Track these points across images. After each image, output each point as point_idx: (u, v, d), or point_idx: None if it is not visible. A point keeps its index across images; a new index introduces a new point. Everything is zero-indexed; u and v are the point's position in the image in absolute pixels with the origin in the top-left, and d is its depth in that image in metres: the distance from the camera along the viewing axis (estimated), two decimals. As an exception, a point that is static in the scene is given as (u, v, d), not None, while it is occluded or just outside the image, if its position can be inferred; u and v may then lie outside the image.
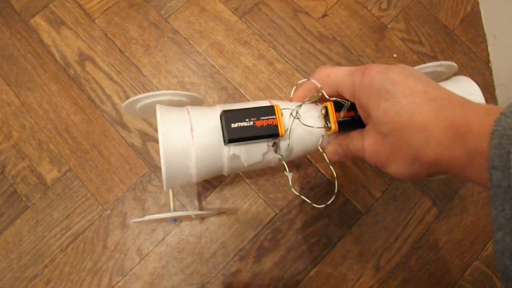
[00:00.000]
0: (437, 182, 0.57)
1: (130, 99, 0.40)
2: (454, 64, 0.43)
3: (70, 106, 0.57)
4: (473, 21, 0.66)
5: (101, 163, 0.55)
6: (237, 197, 0.54)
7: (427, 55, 0.63)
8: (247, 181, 0.55)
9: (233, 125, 0.34)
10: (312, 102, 0.38)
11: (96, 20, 0.62)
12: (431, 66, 0.43)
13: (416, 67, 0.42)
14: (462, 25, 0.65)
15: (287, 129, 0.36)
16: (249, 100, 0.58)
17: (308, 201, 0.40)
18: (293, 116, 0.36)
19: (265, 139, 0.36)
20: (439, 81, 0.43)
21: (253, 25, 0.63)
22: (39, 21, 0.62)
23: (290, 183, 0.38)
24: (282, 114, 0.36)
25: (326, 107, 0.37)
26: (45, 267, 0.51)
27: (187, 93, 0.40)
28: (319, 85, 0.36)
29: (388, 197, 0.56)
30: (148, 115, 0.43)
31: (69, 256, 0.52)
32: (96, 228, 0.53)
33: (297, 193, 0.45)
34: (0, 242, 0.52)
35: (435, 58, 0.63)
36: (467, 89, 0.42)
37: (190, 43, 0.61)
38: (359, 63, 0.61)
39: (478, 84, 0.42)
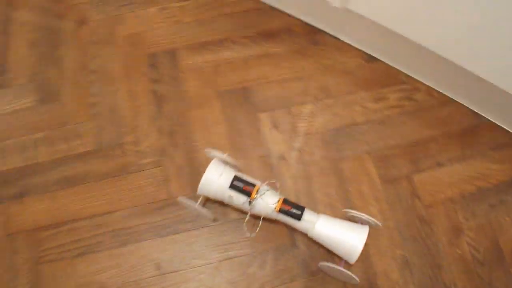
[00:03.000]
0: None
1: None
2: (380, 224, 0.79)
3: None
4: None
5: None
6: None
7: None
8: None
9: (234, 182, 0.77)
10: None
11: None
12: (359, 215, 0.78)
13: (345, 209, 0.81)
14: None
15: (255, 198, 0.76)
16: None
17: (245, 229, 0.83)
18: (260, 194, 0.77)
19: (245, 195, 0.77)
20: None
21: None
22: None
23: (245, 223, 0.83)
24: (257, 190, 0.77)
25: (280, 199, 0.77)
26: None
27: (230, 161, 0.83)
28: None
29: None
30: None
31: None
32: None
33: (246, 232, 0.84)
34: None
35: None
36: (356, 233, 0.76)
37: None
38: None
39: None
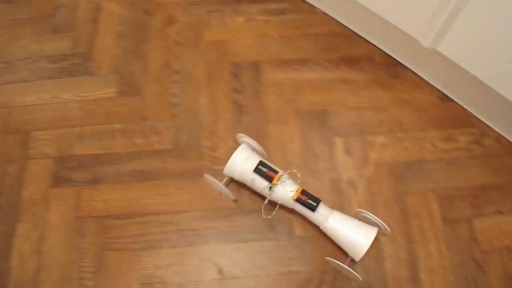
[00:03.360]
0: None
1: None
2: (389, 230, 0.84)
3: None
4: None
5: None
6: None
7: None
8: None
9: (259, 167, 0.82)
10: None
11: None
12: (371, 217, 0.82)
13: (358, 209, 0.85)
14: None
15: (276, 184, 0.81)
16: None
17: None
18: (281, 182, 0.81)
19: (267, 181, 0.81)
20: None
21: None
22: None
23: (263, 206, 0.88)
24: (279, 178, 0.81)
25: (298, 189, 0.81)
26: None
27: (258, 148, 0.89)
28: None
29: None
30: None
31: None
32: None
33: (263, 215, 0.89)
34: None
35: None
36: (365, 232, 0.80)
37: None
38: None
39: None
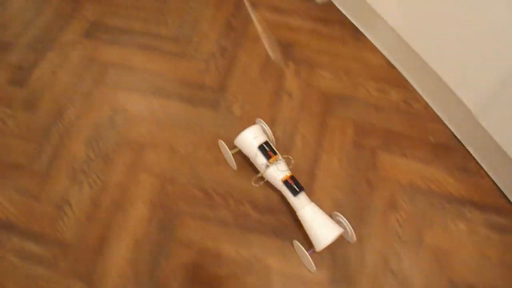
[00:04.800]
0: None
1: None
2: (355, 238, 0.91)
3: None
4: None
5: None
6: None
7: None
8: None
9: (264, 145, 0.95)
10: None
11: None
12: (344, 221, 0.90)
13: (334, 212, 0.90)
14: None
15: (272, 163, 0.93)
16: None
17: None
18: (276, 163, 0.93)
19: (266, 158, 0.93)
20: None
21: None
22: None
23: (255, 177, 1.01)
24: (276, 159, 0.93)
25: (289, 173, 0.92)
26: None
27: (269, 132, 1.03)
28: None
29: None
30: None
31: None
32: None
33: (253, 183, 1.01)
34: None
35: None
36: (332, 229, 0.87)
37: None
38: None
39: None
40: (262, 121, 1.05)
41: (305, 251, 0.87)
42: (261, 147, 0.95)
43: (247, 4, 1.35)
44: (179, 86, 1.20)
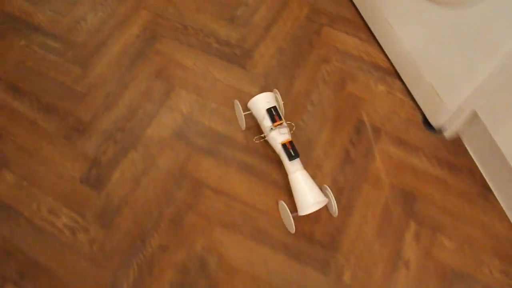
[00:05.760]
0: None
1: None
2: (336, 213, 0.98)
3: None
4: None
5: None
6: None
7: None
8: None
9: (271, 109, 1.03)
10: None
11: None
12: (330, 194, 0.96)
13: (324, 185, 0.98)
14: None
15: (276, 127, 1.01)
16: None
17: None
18: (279, 127, 1.01)
19: (271, 122, 1.02)
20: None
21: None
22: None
23: (257, 136, 1.12)
24: (280, 124, 1.02)
25: (289, 139, 1.00)
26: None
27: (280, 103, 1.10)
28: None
29: None
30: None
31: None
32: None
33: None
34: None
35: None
36: (317, 197, 0.93)
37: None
38: None
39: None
40: (277, 92, 1.12)
41: (289, 213, 0.93)
42: (269, 111, 1.04)
43: (369, 129, 1.15)
44: (285, 234, 1.00)
